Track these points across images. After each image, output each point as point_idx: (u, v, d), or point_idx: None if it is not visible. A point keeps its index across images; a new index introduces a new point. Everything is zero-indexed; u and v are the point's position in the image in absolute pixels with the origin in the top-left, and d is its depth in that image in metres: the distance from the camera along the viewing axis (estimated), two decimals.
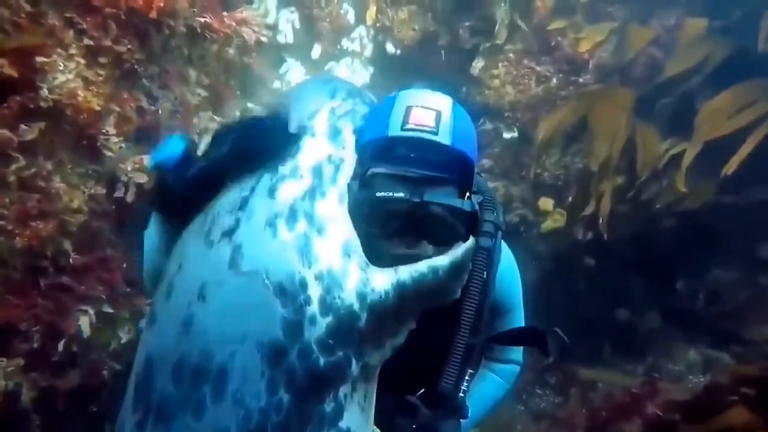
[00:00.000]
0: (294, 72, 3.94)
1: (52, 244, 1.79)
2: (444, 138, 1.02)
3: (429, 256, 1.00)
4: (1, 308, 1.72)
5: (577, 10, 3.32)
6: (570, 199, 3.40)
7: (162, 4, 1.91)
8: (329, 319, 0.76)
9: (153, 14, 1.76)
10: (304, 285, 0.76)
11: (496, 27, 3.29)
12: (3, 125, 1.56)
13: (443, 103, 1.08)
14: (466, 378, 1.14)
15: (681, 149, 2.62)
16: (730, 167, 2.42)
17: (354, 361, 0.78)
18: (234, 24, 2.36)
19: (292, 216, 0.82)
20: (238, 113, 3.51)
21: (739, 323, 3.54)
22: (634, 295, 3.85)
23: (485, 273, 1.13)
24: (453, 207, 1.02)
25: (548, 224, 3.77)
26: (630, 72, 3.34)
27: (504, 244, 1.27)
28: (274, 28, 3.77)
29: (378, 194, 0.98)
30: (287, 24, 3.79)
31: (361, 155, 1.05)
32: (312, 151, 0.94)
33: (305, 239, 0.80)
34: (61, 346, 1.90)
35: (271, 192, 0.85)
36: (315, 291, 0.76)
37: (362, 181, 1.01)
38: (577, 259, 3.82)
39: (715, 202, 2.89)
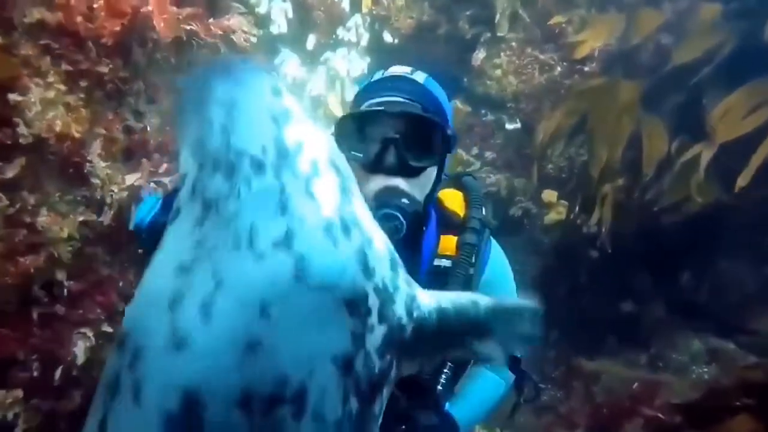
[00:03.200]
0: (288, 63, 3.81)
1: (43, 276, 1.76)
2: (419, 78, 1.19)
3: (403, 189, 1.10)
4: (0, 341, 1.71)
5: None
6: (573, 194, 3.33)
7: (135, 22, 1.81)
8: (384, 328, 0.77)
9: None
10: (366, 296, 0.75)
11: (497, 17, 3.14)
12: None
13: (423, 74, 1.24)
14: (445, 370, 1.18)
15: (695, 153, 2.52)
16: (744, 179, 2.33)
17: (394, 368, 0.80)
18: (220, 32, 2.25)
19: (344, 224, 0.77)
20: None
21: (745, 314, 3.52)
22: (639, 288, 3.83)
23: (471, 269, 1.18)
24: (433, 120, 1.14)
25: (552, 216, 3.71)
26: (637, 60, 3.20)
27: (494, 242, 1.31)
28: (266, 17, 3.62)
29: (362, 107, 1.14)
30: (280, 13, 3.64)
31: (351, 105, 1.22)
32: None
33: (362, 250, 0.77)
34: (59, 372, 1.90)
35: (310, 194, 0.77)
36: (374, 302, 0.76)
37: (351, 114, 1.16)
38: (581, 251, 3.78)
39: (721, 198, 2.81)
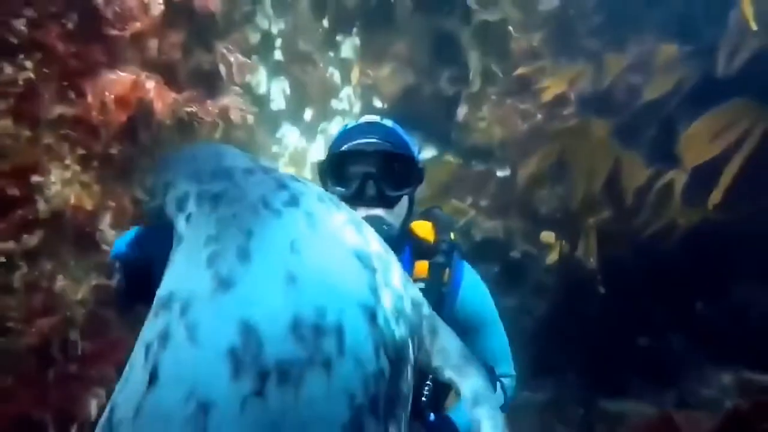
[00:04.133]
0: (289, 135, 4.16)
1: (59, 337, 1.94)
2: (388, 123, 1.34)
3: (382, 217, 1.22)
4: (16, 402, 1.86)
5: (548, 50, 3.42)
6: (569, 232, 3.41)
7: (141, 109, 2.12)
8: (392, 291, 0.78)
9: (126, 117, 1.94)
10: (370, 257, 0.79)
11: (470, 75, 3.42)
12: (7, 237, 1.74)
13: (389, 121, 1.40)
14: (427, 382, 1.22)
15: (669, 179, 2.63)
16: (716, 197, 2.42)
17: (410, 345, 0.78)
18: (217, 111, 2.56)
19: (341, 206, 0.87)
20: None
21: None
22: (653, 321, 3.75)
23: (443, 288, 1.28)
24: (405, 155, 1.28)
25: (553, 257, 3.76)
26: (610, 100, 3.39)
27: (466, 264, 1.40)
28: (266, 97, 4.02)
29: (342, 148, 1.25)
30: (279, 92, 4.03)
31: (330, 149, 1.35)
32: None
33: (351, 216, 0.85)
34: (74, 429, 2.02)
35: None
36: (378, 265, 0.79)
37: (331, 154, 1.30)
38: (588, 288, 3.77)
39: (713, 219, 2.85)
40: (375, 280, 0.76)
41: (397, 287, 0.81)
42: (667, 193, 2.73)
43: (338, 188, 1.25)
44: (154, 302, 0.74)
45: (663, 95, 3.08)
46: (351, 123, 1.39)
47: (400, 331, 0.75)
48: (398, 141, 1.32)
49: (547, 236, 3.71)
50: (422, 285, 1.32)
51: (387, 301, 0.76)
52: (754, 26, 2.49)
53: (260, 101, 4.04)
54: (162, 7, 2.17)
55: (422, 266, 1.35)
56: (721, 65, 2.84)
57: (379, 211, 1.26)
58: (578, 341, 3.77)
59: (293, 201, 0.80)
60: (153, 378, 0.62)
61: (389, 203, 1.27)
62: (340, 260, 0.75)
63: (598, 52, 3.49)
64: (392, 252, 0.87)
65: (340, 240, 0.78)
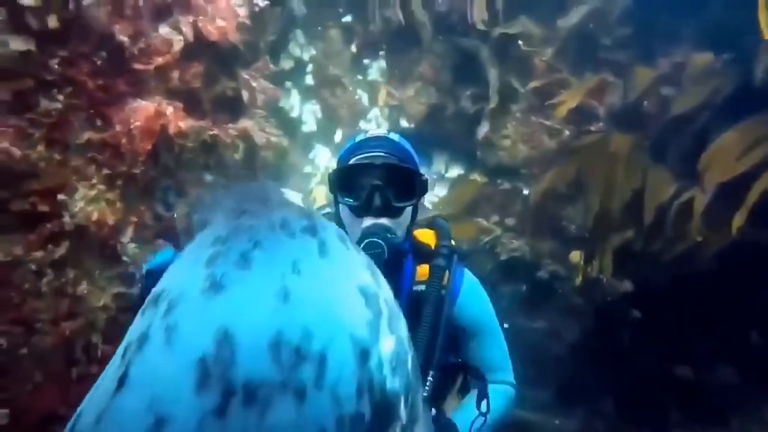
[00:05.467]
0: (321, 156, 4.33)
1: (82, 339, 2.14)
2: (394, 137, 1.43)
3: (388, 226, 1.30)
4: (43, 398, 2.08)
5: (570, 64, 3.35)
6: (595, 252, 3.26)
7: (167, 131, 2.33)
8: (394, 339, 0.72)
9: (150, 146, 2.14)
10: (377, 299, 0.73)
11: (490, 92, 3.42)
12: (37, 248, 1.97)
13: (393, 135, 1.49)
14: (429, 378, 1.28)
15: (690, 196, 2.47)
16: (739, 222, 2.23)
17: (402, 402, 0.72)
18: (236, 133, 2.74)
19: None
20: None
21: None
22: (694, 349, 3.46)
23: (442, 290, 1.35)
24: (410, 168, 1.37)
25: (582, 278, 3.59)
26: (639, 113, 3.24)
27: (467, 270, 1.47)
28: (298, 120, 4.23)
29: (351, 162, 1.34)
30: (310, 115, 4.23)
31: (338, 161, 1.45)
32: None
33: (368, 262, 0.88)
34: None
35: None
36: (384, 311, 0.83)
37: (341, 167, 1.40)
38: (621, 311, 3.56)
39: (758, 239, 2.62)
40: (378, 322, 0.71)
41: (403, 339, 0.76)
42: (688, 211, 2.55)
43: (346, 199, 1.34)
44: (147, 298, 0.68)
45: (696, 106, 2.91)
46: (360, 136, 1.47)
47: (393, 382, 0.69)
48: (404, 154, 1.40)
49: (576, 255, 3.57)
50: (422, 287, 1.38)
51: (386, 346, 0.70)
52: (767, 35, 2.31)
53: (293, 124, 4.26)
54: (182, 42, 2.39)
55: (423, 269, 1.41)
56: (758, 75, 2.65)
57: (384, 221, 1.33)
58: (611, 368, 3.55)
59: (311, 230, 0.76)
60: (121, 382, 0.57)
61: (394, 213, 1.34)
62: (343, 292, 0.70)
63: (625, 64, 3.37)
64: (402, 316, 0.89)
65: (348, 274, 0.74)
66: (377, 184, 1.30)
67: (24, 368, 1.99)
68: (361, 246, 1.27)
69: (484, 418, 1.35)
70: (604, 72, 3.37)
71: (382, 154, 1.35)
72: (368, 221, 1.31)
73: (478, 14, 3.16)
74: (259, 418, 0.55)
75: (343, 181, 1.35)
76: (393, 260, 1.30)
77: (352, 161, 1.35)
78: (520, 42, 3.13)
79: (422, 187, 1.38)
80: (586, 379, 3.64)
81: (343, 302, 0.69)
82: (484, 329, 1.49)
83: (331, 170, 1.45)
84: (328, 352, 0.62)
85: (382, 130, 1.49)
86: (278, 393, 0.57)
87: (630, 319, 3.52)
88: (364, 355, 0.64)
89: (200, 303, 0.60)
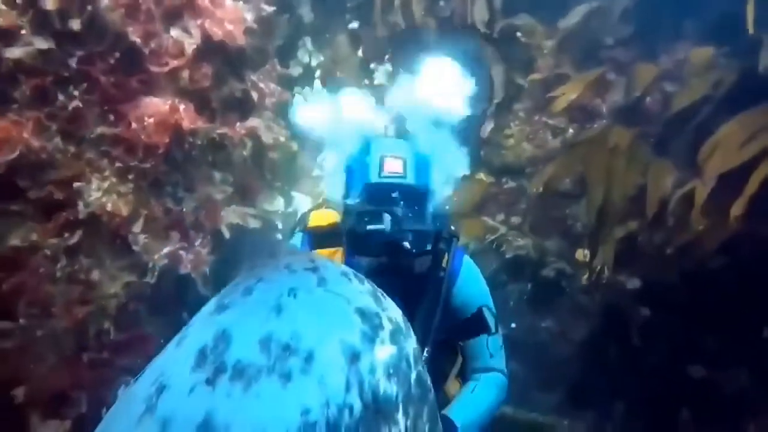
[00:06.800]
0: (330, 159, 4.41)
1: (93, 324, 2.24)
2: (411, 179, 1.40)
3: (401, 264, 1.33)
4: (56, 379, 2.17)
5: (572, 62, 3.39)
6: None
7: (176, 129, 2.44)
8: (394, 350, 0.79)
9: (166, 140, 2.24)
10: (379, 317, 0.82)
11: (495, 88, 3.47)
12: (53, 235, 2.08)
13: (407, 150, 1.46)
14: (424, 355, 1.30)
15: (690, 188, 2.47)
16: (738, 209, 2.23)
17: (401, 410, 0.77)
18: (244, 132, 2.85)
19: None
20: (282, 201, 4.02)
21: None
22: (707, 349, 3.39)
23: (441, 272, 1.40)
24: (421, 230, 1.38)
25: (588, 276, 3.58)
26: (642, 110, 3.26)
27: (467, 257, 1.52)
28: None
29: (368, 228, 1.34)
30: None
31: (350, 189, 1.45)
32: None
33: (374, 290, 0.89)
34: (104, 411, 2.29)
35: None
36: (386, 326, 0.81)
37: (355, 214, 1.38)
38: (629, 309, 3.52)
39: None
40: (375, 333, 0.78)
41: (406, 354, 0.81)
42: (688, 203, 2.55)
43: (358, 258, 1.37)
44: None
45: (697, 100, 2.92)
46: (374, 173, 1.42)
47: (388, 385, 0.74)
48: (421, 207, 1.40)
49: (582, 253, 3.56)
50: (423, 270, 1.44)
51: (382, 354, 0.76)
52: (751, 29, 2.33)
53: (302, 128, 4.36)
54: (194, 43, 2.52)
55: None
56: (763, 64, 2.64)
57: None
58: (620, 368, 3.51)
59: (313, 269, 0.86)
60: (139, 377, 0.74)
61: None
62: (338, 310, 0.79)
63: (627, 61, 3.40)
64: (414, 338, 0.89)
65: (347, 299, 0.81)
66: (390, 249, 1.33)
67: (39, 349, 2.09)
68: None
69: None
70: (606, 70, 3.40)
71: (395, 219, 1.33)
72: (378, 260, 1.36)
73: (479, 14, 3.23)
74: (243, 389, 0.65)
75: (357, 240, 1.37)
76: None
77: (368, 227, 1.34)
78: (518, 34, 3.19)
79: (439, 235, 1.42)
80: (595, 380, 3.60)
81: (336, 317, 0.78)
82: (479, 313, 1.53)
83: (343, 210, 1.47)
84: (316, 349, 0.70)
85: (398, 163, 1.44)
86: (265, 373, 0.67)
87: (639, 318, 3.48)
88: (354, 356, 0.73)
89: (207, 318, 0.76)
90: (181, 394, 0.65)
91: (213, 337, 0.71)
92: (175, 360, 0.71)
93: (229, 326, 0.72)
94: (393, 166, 1.41)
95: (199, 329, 0.74)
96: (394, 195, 1.36)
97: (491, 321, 1.51)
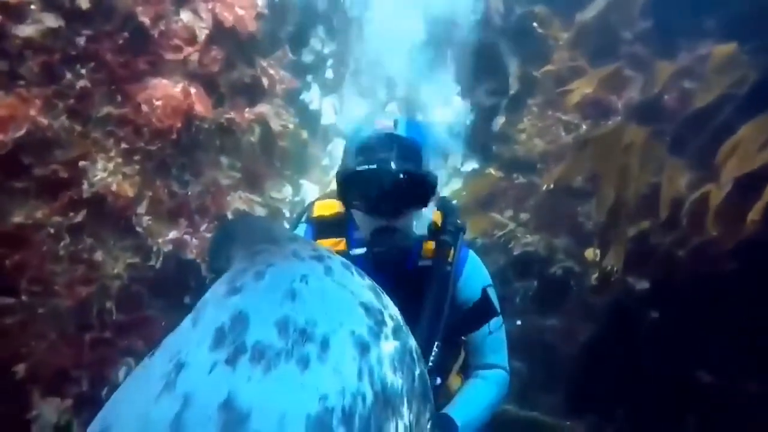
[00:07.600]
0: (339, 148, 4.40)
1: (96, 304, 2.24)
2: (401, 130, 1.39)
3: (398, 227, 1.32)
4: (57, 357, 2.18)
5: (589, 57, 3.31)
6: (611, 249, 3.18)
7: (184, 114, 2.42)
8: (397, 345, 0.81)
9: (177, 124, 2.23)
10: (381, 313, 0.83)
11: (510, 80, 3.41)
12: (58, 214, 2.09)
13: (400, 119, 1.45)
14: (434, 349, 1.32)
15: (707, 190, 2.39)
16: (756, 214, 2.15)
17: (405, 404, 0.78)
18: (252, 117, 2.83)
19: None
20: (290, 190, 4.01)
21: None
22: (714, 353, 3.31)
23: (447, 266, 1.38)
24: (415, 174, 1.33)
25: (598, 275, 3.51)
26: (659, 107, 3.17)
27: (472, 252, 1.50)
28: (318, 112, 4.32)
29: (358, 168, 1.31)
30: (330, 108, 4.31)
31: (346, 153, 1.43)
32: None
33: (374, 286, 0.91)
34: (106, 390, 2.30)
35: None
36: (389, 323, 0.83)
37: (348, 162, 1.36)
38: (638, 311, 3.45)
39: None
40: (379, 329, 0.79)
41: (409, 349, 0.83)
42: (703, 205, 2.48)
43: (355, 202, 1.35)
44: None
45: (717, 98, 2.83)
46: (367, 131, 1.42)
47: (394, 378, 0.76)
48: (411, 153, 1.36)
49: (591, 252, 3.49)
50: (428, 263, 1.42)
51: (387, 348, 0.78)
52: None
53: (313, 117, 4.34)
54: (204, 27, 2.50)
55: (429, 245, 1.45)
56: None
57: (393, 222, 1.34)
58: (627, 370, 3.45)
59: (318, 257, 0.89)
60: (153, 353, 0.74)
61: (403, 213, 1.35)
62: (346, 302, 0.81)
63: (646, 57, 3.31)
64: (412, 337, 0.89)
65: (351, 292, 0.83)
66: (383, 192, 1.30)
67: (41, 326, 2.10)
68: (371, 249, 1.33)
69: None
70: (624, 65, 3.32)
71: (387, 158, 1.32)
72: (377, 223, 1.34)
73: (495, 3, 3.16)
74: (264, 371, 0.66)
75: (350, 185, 1.36)
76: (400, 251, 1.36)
77: (358, 168, 1.33)
78: (534, 24, 3.11)
79: (432, 186, 1.36)
80: (599, 382, 3.55)
81: (345, 308, 0.80)
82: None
83: (338, 169, 1.43)
84: (331, 338, 0.72)
85: (390, 122, 1.44)
86: (284, 357, 0.68)
87: (646, 320, 3.41)
88: (364, 347, 0.75)
89: (221, 300, 0.77)
90: (201, 372, 0.65)
91: (230, 318, 0.71)
92: (192, 339, 0.70)
93: (245, 308, 0.73)
94: (385, 124, 1.42)
95: (214, 310, 0.75)
96: (386, 153, 1.33)
97: (495, 301, 1.48)
